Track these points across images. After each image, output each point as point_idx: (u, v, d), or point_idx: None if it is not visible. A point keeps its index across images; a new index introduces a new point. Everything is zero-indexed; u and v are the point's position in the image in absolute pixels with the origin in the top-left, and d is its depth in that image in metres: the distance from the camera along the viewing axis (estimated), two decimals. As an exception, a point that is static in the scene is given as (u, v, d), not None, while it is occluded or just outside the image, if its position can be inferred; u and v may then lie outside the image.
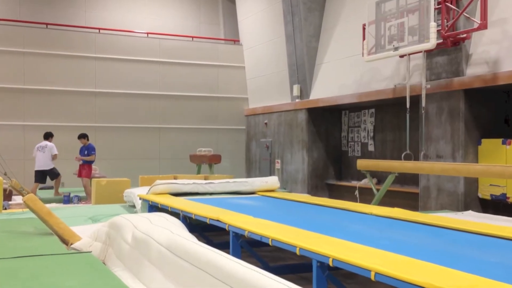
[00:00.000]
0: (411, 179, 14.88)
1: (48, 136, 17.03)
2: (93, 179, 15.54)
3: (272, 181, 12.15)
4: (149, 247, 6.00)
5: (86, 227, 9.23)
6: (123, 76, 21.09)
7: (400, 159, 13.80)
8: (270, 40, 20.95)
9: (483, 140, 12.36)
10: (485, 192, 12.21)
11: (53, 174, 16.81)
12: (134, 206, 12.18)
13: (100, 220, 10.53)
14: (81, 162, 16.76)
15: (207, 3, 24.54)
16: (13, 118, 19.54)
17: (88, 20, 22.13)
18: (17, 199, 15.82)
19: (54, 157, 16.70)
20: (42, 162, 16.62)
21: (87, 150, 16.72)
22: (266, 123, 21.05)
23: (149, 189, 11.18)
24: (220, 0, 24.63)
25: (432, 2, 12.03)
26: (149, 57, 21.57)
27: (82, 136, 16.97)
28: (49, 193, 17.25)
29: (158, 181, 11.22)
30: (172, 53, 21.99)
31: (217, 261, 4.69)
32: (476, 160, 12.39)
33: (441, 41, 12.22)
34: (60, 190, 17.28)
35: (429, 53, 12.99)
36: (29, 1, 21.36)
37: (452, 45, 12.35)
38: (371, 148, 17.13)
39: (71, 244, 7.57)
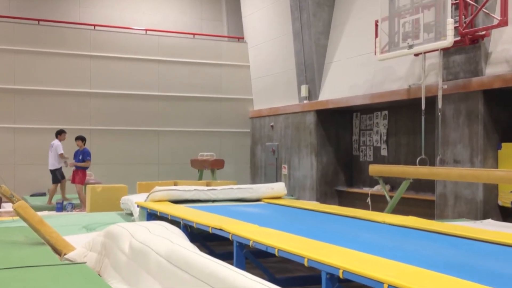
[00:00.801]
0: (427, 185, 14.86)
1: (57, 133, 17.10)
2: (88, 186, 15.49)
3: (279, 187, 12.15)
4: (147, 257, 6.01)
5: (81, 237, 9.23)
6: (119, 75, 21.13)
7: (415, 164, 13.78)
8: (277, 38, 20.96)
9: (504, 144, 12.35)
10: (505, 199, 12.19)
11: (54, 176, 16.85)
12: (131, 214, 12.18)
13: (95, 229, 10.53)
14: (73, 167, 16.78)
15: (209, -2, 24.63)
16: (2, 120, 19.57)
17: (83, 16, 22.18)
18: (7, 206, 15.84)
19: (60, 156, 16.78)
20: (50, 162, 16.94)
21: (82, 155, 16.68)
22: (272, 126, 21.05)
23: (148, 196, 11.19)
24: (223, -5, 24.74)
25: (449, -3, 12.04)
26: (147, 55, 21.60)
27: (80, 138, 16.90)
28: (41, 200, 17.28)
29: (157, 188, 11.23)
30: (172, 51, 22.02)
31: (220, 272, 4.69)
32: (496, 165, 12.37)
33: (458, 38, 12.21)
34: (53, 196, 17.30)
35: (446, 52, 12.98)
36: (20, -4, 21.44)
37: (471, 43, 12.34)
38: (384, 152, 17.12)
39: (65, 254, 7.58)
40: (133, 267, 6.30)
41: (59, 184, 16.93)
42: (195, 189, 11.42)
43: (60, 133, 17.12)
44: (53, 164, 16.81)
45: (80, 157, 16.67)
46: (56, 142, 16.88)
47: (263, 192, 11.81)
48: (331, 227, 8.03)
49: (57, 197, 17.15)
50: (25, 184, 19.50)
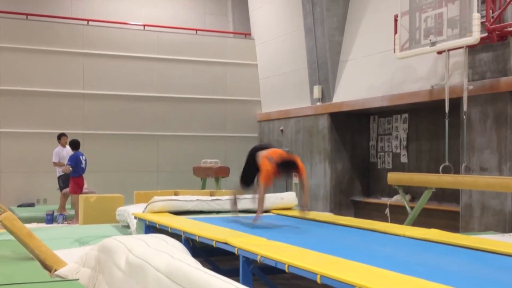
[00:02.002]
0: (451, 195, 14.85)
1: (57, 138, 17.18)
2: (80, 195, 15.49)
3: (289, 198, 12.16)
4: (145, 274, 6.02)
5: (73, 251, 9.26)
6: (115, 75, 21.16)
7: (437, 172, 13.77)
8: (287, 34, 20.98)
9: (536, 150, 12.34)
10: (537, 211, 12.17)
11: (59, 184, 16.95)
12: (128, 227, 12.21)
13: (88, 243, 10.56)
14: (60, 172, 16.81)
15: (213, -10, 24.68)
16: (-13, 124, 19.67)
17: (75, 10, 22.22)
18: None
19: (53, 165, 16.87)
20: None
21: (70, 159, 16.62)
22: (282, 130, 21.06)
23: (146, 207, 11.21)
24: (228, -13, 24.78)
25: (476, -10, 12.04)
26: (145, 53, 21.64)
27: (72, 144, 16.75)
28: (30, 211, 17.32)
29: (156, 198, 11.25)
30: (172, 48, 22.06)
31: (225, 290, 4.70)
32: (527, 173, 12.36)
33: (485, 35, 12.20)
34: (42, 207, 17.34)
35: (471, 49, 12.98)
36: (8, -12, 21.50)
37: (499, 39, 12.32)
38: (404, 159, 17.11)
39: (55, 270, 7.60)
40: (130, 284, 6.31)
41: (63, 191, 16.97)
42: (197, 199, 11.44)
43: (59, 138, 17.16)
44: (57, 170, 16.95)
45: (69, 162, 16.57)
46: (57, 148, 17.00)
47: (272, 203, 11.82)
48: (346, 240, 8.04)
49: (42, 207, 17.22)
50: (11, 194, 19.50)
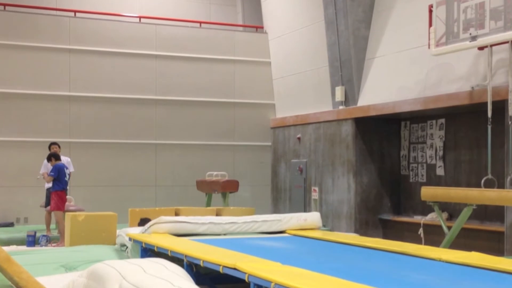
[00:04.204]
0: (494, 213, 14.84)
1: (48, 147, 17.21)
2: (67, 213, 15.42)
3: (313, 218, 12.16)
4: (142, 303, 6.05)
5: (58, 278, 9.30)
6: (106, 74, 21.21)
7: (479, 186, 13.78)
8: (305, 27, 21.02)
9: None
10: None
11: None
12: (126, 249, 12.22)
13: (76, 268, 10.60)
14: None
15: (220, -23, 24.76)
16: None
17: (60, 0, 22.31)
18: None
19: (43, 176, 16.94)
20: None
21: (53, 170, 16.53)
22: (299, 138, 21.09)
23: (147, 228, 11.21)
24: (237, -27, 24.85)
25: (522, -25, 12.05)
26: (142, 49, 21.70)
27: (49, 157, 16.70)
28: (8, 232, 17.35)
29: (162, 218, 11.22)
30: (172, 44, 22.11)
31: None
32: None
33: (534, 27, 12.23)
34: (22, 227, 17.36)
35: (518, 44, 13.01)
36: (-17, -25, 21.57)
37: (550, 32, 12.35)
38: (440, 171, 17.11)
39: (38, 300, 7.63)
40: (124, 315, 6.34)
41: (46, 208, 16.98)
42: (210, 222, 11.40)
43: (49, 147, 17.17)
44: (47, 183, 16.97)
45: (52, 173, 16.53)
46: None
47: (293, 224, 11.83)
48: (373, 265, 8.05)
49: (22, 227, 17.23)
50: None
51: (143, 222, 14.23)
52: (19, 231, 17.29)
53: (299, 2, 21.39)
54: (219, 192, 18.44)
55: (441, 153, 17.12)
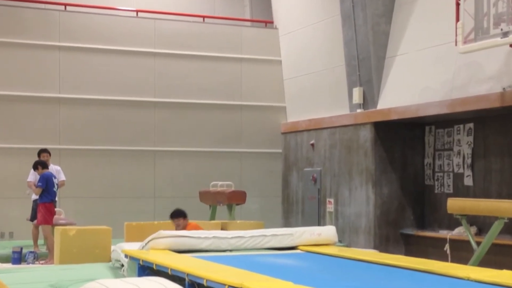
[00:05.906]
0: (529, 227, 14.88)
1: (38, 154, 17.23)
2: (56, 228, 15.42)
3: (328, 233, 12.18)
4: (139, 326, 6.09)
5: (47, 298, 9.34)
6: (100, 74, 21.26)
7: (511, 197, 13.80)
8: (319, 22, 21.05)
9: None
10: None
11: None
12: (122, 267, 12.25)
13: (67, 288, 10.65)
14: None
15: (225, -33, 24.82)
16: None
17: (50, -8, 22.45)
18: None
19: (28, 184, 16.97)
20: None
21: (40, 180, 16.50)
22: (312, 145, 21.11)
23: (146, 244, 11.24)
24: (244, -37, 24.91)
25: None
26: (139, 46, 21.78)
27: (35, 166, 16.73)
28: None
29: (162, 233, 11.24)
30: (173, 40, 22.18)
31: None
32: None
33: None
34: (7, 242, 17.37)
35: (554, 41, 13.04)
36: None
37: None
38: (468, 181, 17.12)
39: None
40: None
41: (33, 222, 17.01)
42: (214, 237, 11.42)
43: (38, 154, 17.17)
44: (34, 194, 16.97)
45: (40, 184, 16.51)
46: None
47: (306, 239, 11.85)
48: (394, 285, 8.09)
49: (7, 243, 17.25)
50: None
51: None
52: (4, 247, 17.34)
53: (312, -5, 21.48)
54: (224, 204, 18.47)
55: (469, 161, 17.13)
